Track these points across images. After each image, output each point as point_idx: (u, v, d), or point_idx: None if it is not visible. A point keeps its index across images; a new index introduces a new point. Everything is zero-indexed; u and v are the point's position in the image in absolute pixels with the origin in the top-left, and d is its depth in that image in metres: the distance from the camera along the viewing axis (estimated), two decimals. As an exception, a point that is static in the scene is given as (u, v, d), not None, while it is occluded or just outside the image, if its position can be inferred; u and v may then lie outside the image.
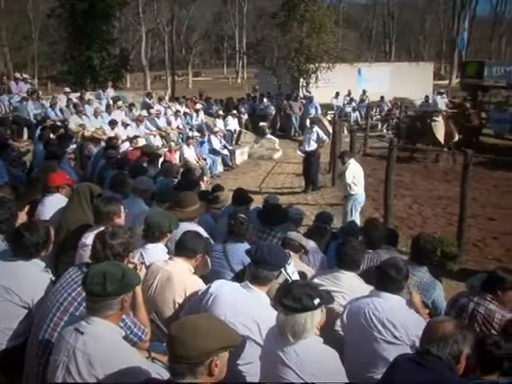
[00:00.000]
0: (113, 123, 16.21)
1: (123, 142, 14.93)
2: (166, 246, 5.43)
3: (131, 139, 14.98)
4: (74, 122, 16.06)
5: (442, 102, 21.43)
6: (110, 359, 3.21)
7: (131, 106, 19.55)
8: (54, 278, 4.45)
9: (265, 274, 4.25)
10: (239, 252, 5.39)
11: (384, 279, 4.57)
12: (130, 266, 4.29)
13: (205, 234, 5.90)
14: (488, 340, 4.07)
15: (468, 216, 11.14)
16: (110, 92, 21.62)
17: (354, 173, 11.60)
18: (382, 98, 28.13)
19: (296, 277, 4.96)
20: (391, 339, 4.30)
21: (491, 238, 11.87)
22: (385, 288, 4.54)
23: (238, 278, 4.85)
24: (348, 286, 4.88)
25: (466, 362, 3.52)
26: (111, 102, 19.03)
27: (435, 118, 19.27)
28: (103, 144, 13.04)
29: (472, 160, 10.75)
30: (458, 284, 7.94)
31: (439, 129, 19.23)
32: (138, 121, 17.55)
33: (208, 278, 4.95)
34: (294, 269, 5.05)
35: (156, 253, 5.19)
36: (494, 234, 12.06)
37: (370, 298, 4.56)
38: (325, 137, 16.13)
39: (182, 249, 4.91)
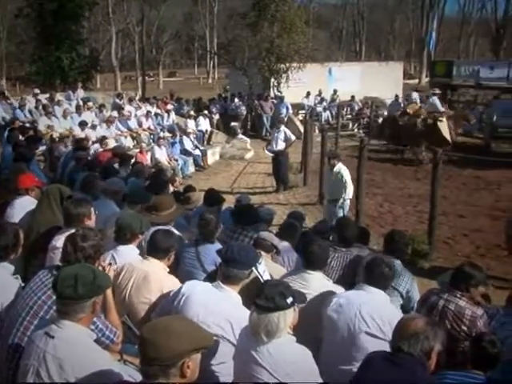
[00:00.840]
0: (83, 124, 16.12)
1: (93, 143, 14.82)
2: (141, 245, 5.41)
3: (101, 140, 14.86)
4: (43, 124, 15.91)
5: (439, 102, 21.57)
6: (81, 363, 3.17)
7: (101, 106, 19.44)
8: (23, 284, 4.39)
9: (235, 273, 4.26)
10: (211, 252, 5.38)
11: (375, 275, 4.67)
12: (100, 268, 4.26)
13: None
14: (485, 337, 4.13)
15: (438, 214, 11.26)
16: (80, 93, 21.48)
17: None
18: (353, 97, 28.28)
19: (267, 276, 4.96)
20: (376, 333, 4.34)
21: (461, 235, 12.01)
22: (375, 283, 4.64)
23: (211, 278, 4.83)
24: (315, 287, 4.90)
25: (436, 359, 3.56)
26: (81, 103, 18.88)
27: (440, 119, 19.46)
28: (69, 145, 12.96)
29: (441, 158, 10.87)
30: (429, 281, 8.01)
31: (445, 128, 19.55)
32: (109, 122, 17.46)
33: (180, 279, 4.93)
34: (264, 268, 5.05)
35: (127, 254, 5.15)
36: (464, 232, 12.20)
37: (359, 291, 4.67)
38: (293, 136, 16.14)
39: (154, 248, 4.89)
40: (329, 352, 4.47)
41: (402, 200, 14.53)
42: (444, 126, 19.43)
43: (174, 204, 6.70)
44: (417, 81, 52.86)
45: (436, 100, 21.18)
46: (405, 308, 5.56)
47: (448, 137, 19.36)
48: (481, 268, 5.38)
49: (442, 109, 20.62)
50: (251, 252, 4.57)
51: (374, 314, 4.43)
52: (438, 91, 21.64)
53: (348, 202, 11.24)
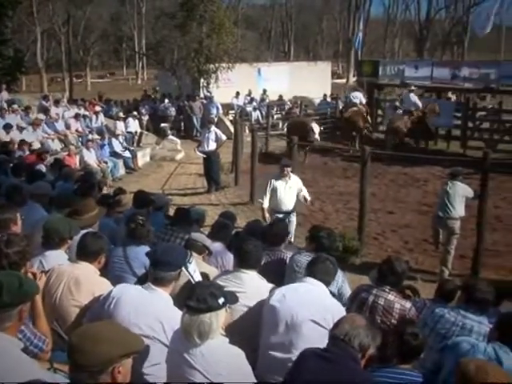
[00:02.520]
0: (7, 127, 15.68)
1: (19, 146, 14.44)
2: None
3: (26, 143, 14.49)
4: (-36, 127, 15.43)
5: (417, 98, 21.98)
6: (9, 373, 3.06)
7: (27, 109, 18.93)
8: None
9: (162, 275, 4.23)
10: (140, 255, 5.33)
11: (320, 271, 4.77)
12: (30, 275, 4.15)
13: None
14: (407, 330, 4.22)
15: (368, 211, 11.53)
16: (5, 95, 20.83)
17: None
18: (281, 96, 28.47)
19: (198, 277, 4.94)
20: (320, 321, 4.38)
21: (390, 231, 12.32)
22: (318, 279, 4.71)
23: (141, 281, 4.78)
24: (250, 286, 4.90)
25: (366, 361, 3.66)
26: (5, 106, 18.35)
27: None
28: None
29: (370, 156, 11.09)
30: (360, 277, 8.15)
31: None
32: (35, 124, 17.04)
33: (111, 284, 4.86)
34: (195, 268, 5.03)
35: (56, 260, 5.02)
36: (393, 228, 12.51)
37: (302, 283, 4.74)
38: (223, 136, 16.14)
39: (84, 251, 4.80)
40: (268, 344, 4.48)
41: (332, 198, 14.74)
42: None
43: (97, 207, 6.60)
44: (344, 80, 53.65)
45: (414, 97, 21.66)
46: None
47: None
48: (405, 261, 5.54)
49: (420, 104, 21.19)
50: (178, 253, 4.55)
51: (318, 302, 4.50)
52: (413, 88, 22.06)
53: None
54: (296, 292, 4.61)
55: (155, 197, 8.75)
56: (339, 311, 4.47)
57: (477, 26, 27.22)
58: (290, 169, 10.27)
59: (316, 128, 18.81)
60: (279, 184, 10.11)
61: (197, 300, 3.55)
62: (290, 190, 10.14)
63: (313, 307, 4.46)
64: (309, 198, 10.43)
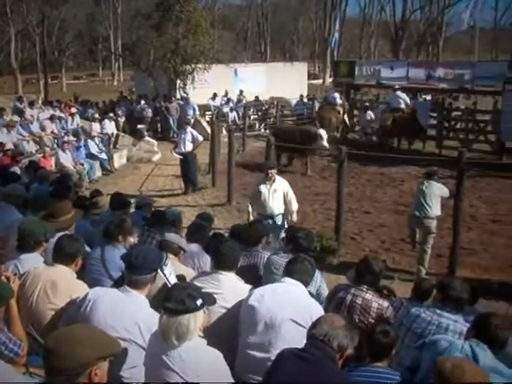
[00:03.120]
0: (-19, 130, 15.52)
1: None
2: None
3: (0, 145, 14.35)
4: None
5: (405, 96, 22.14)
6: (-16, 378, 3.06)
7: (1, 110, 18.69)
8: None
9: (137, 278, 4.22)
10: (117, 258, 5.27)
11: (298, 271, 4.78)
12: (4, 278, 4.11)
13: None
14: (377, 328, 4.24)
15: (345, 210, 11.58)
16: (-22, 97, 20.65)
17: None
18: (257, 97, 28.49)
19: (174, 279, 4.93)
20: (299, 320, 4.38)
21: (367, 230, 12.37)
22: (296, 279, 4.71)
23: (118, 284, 4.75)
24: (227, 288, 4.89)
25: (343, 361, 3.68)
26: (-21, 108, 18.18)
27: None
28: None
29: (346, 156, 11.14)
30: (337, 277, 8.20)
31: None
32: (10, 126, 16.86)
33: (87, 286, 4.83)
34: (171, 270, 5.02)
35: (31, 263, 4.98)
36: (370, 227, 12.58)
37: (281, 284, 4.74)
38: (200, 136, 16.10)
39: (60, 254, 4.77)
40: (247, 344, 4.48)
41: (309, 198, 14.76)
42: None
43: (73, 209, 6.56)
44: (321, 81, 53.82)
45: (402, 94, 21.84)
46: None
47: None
48: (382, 260, 5.57)
49: (408, 100, 21.35)
50: (153, 255, 4.52)
51: (297, 302, 4.51)
52: (397, 86, 22.22)
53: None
54: (275, 292, 4.61)
55: (138, 197, 8.75)
56: (318, 311, 4.48)
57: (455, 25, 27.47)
58: (274, 171, 9.96)
59: (324, 134, 17.84)
60: (263, 187, 9.84)
61: (175, 301, 3.54)
62: (274, 193, 9.80)
63: (291, 307, 4.47)
64: (295, 209, 10.02)
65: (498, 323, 4.14)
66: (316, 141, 17.41)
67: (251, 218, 9.86)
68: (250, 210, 10.07)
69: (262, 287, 4.83)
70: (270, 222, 9.67)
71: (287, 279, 4.74)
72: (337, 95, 24.43)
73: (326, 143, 17.64)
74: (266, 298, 4.54)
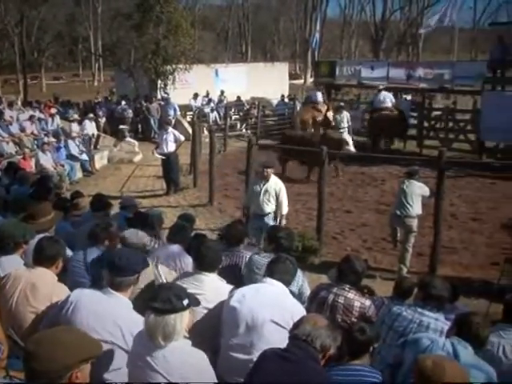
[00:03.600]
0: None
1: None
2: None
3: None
4: None
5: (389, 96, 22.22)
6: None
7: (-20, 112, 18.61)
8: None
9: (120, 280, 4.19)
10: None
11: (280, 271, 4.76)
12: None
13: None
14: (354, 327, 4.26)
15: (326, 210, 11.61)
16: (-43, 98, 20.47)
17: None
18: (239, 97, 28.48)
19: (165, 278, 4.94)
20: (280, 321, 4.37)
21: (349, 230, 12.42)
22: (278, 279, 4.70)
23: (95, 283, 4.73)
24: (209, 288, 4.88)
25: (326, 361, 3.69)
26: (-42, 109, 18.02)
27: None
28: None
29: (327, 156, 11.18)
30: (319, 277, 8.22)
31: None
32: (-12, 127, 16.75)
33: (69, 289, 4.79)
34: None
35: (11, 265, 4.94)
36: (352, 227, 12.63)
37: (262, 284, 4.71)
38: (182, 136, 16.05)
39: (40, 256, 4.72)
40: (229, 345, 4.47)
41: (291, 198, 14.68)
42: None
43: (53, 211, 6.51)
44: (302, 81, 53.93)
45: (387, 94, 21.91)
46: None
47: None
48: (364, 260, 5.59)
49: (394, 100, 21.55)
50: (136, 258, 4.48)
51: (278, 303, 4.49)
52: (381, 86, 22.29)
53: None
54: (256, 292, 4.60)
55: (123, 198, 8.72)
56: (299, 311, 4.48)
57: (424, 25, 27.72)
58: (270, 170, 9.88)
59: (349, 139, 17.32)
60: (256, 186, 9.85)
61: (161, 301, 3.53)
62: (265, 192, 9.74)
63: (273, 308, 4.46)
64: (284, 212, 9.96)
65: (479, 322, 4.18)
66: (342, 147, 16.47)
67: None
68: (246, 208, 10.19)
69: (244, 287, 4.81)
70: (265, 220, 9.71)
71: (269, 279, 4.73)
72: (319, 94, 24.49)
73: (352, 148, 17.16)
74: (247, 298, 4.53)
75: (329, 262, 9.97)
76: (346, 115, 20.72)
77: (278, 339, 4.15)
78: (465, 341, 4.11)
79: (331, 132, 18.47)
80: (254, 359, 3.98)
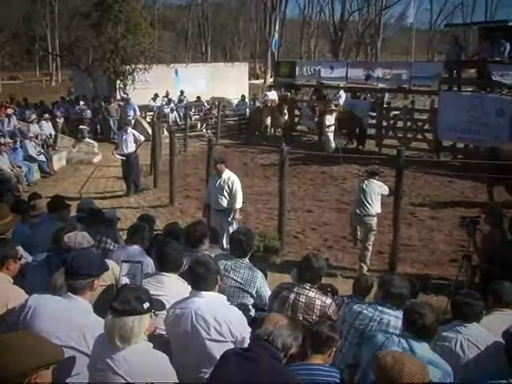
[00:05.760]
0: None
1: None
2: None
3: None
4: None
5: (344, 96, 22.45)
6: None
7: None
8: None
9: (71, 283, 4.14)
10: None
11: (196, 278, 4.50)
12: None
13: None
14: (322, 323, 4.31)
15: (287, 210, 11.64)
16: None
17: None
18: (199, 98, 28.39)
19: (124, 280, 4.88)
20: (217, 337, 4.27)
21: (310, 229, 12.48)
22: (199, 287, 4.47)
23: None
24: (170, 289, 4.84)
25: (287, 359, 3.70)
26: None
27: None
28: None
29: (288, 156, 11.21)
30: (281, 276, 8.22)
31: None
32: None
33: (27, 292, 4.70)
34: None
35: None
36: (313, 226, 12.69)
37: (190, 299, 4.47)
38: (142, 136, 15.95)
39: None
40: (181, 363, 4.23)
41: (252, 198, 14.77)
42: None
43: (10, 214, 6.41)
44: (262, 81, 54.03)
45: (343, 94, 22.19)
46: (258, 306, 5.66)
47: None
48: (325, 258, 5.62)
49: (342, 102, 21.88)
50: (90, 261, 4.37)
51: (209, 318, 4.28)
52: (341, 86, 22.60)
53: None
54: (186, 311, 4.36)
55: (82, 200, 8.64)
56: (238, 319, 4.41)
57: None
58: (223, 165, 10.11)
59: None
60: (211, 181, 10.17)
61: (121, 302, 3.50)
62: (219, 187, 9.99)
63: (205, 325, 4.29)
64: (238, 206, 10.09)
65: (423, 312, 4.20)
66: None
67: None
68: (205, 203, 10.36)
69: (178, 304, 4.50)
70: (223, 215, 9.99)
71: (195, 292, 4.48)
72: (270, 93, 24.70)
73: None
74: (181, 319, 4.35)
75: (290, 262, 10.02)
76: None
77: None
78: (413, 334, 4.16)
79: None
80: (206, 376, 3.97)
